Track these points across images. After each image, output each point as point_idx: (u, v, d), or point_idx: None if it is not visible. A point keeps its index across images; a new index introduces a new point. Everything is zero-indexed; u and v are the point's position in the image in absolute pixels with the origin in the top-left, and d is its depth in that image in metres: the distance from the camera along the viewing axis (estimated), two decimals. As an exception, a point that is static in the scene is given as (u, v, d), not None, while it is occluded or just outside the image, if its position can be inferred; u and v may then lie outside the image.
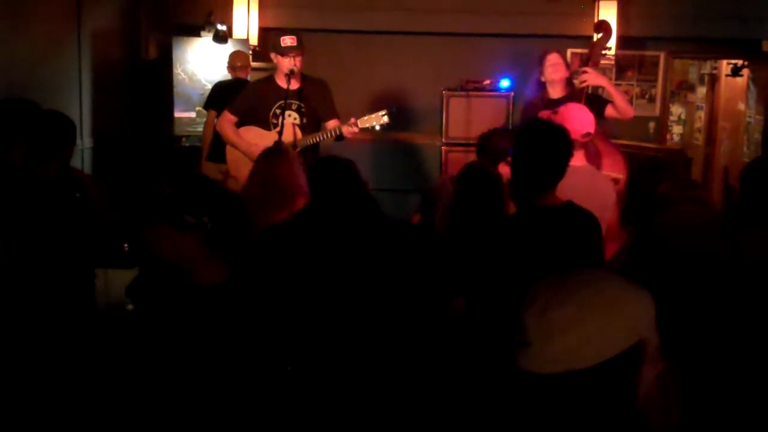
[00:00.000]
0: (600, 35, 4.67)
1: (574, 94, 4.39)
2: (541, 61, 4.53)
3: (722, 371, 2.29)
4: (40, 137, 3.04)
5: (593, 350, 1.15)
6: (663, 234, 2.92)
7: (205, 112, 6.13)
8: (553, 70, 4.48)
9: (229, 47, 6.36)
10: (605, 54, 5.38)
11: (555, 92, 4.49)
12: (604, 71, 6.88)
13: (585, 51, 4.76)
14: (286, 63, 4.36)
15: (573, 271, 1.26)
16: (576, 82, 4.50)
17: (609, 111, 4.39)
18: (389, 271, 2.68)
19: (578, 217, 2.67)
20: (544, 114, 4.27)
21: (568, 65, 4.63)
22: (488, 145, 3.96)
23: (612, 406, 1.18)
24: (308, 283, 2.60)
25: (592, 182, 3.38)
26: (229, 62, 6.12)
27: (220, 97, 5.66)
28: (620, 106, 4.37)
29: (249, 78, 6.02)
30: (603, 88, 4.67)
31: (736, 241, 2.62)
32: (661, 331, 1.23)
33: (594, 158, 4.08)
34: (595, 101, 4.44)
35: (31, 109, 3.23)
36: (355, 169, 2.88)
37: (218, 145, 5.03)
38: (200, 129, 6.29)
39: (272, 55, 4.46)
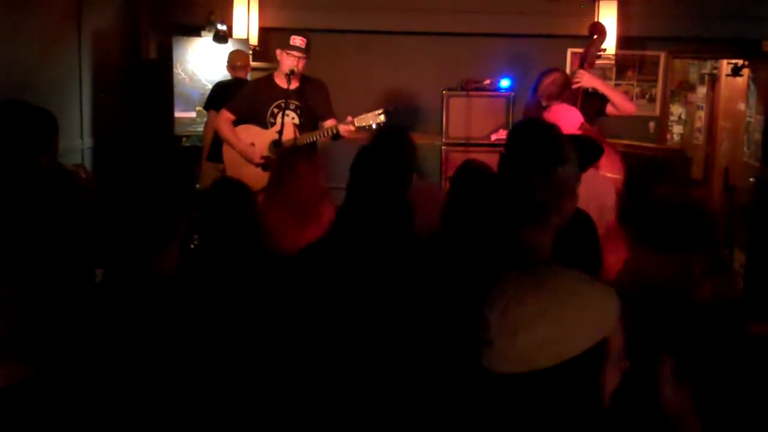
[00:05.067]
0: (595, 37, 4.68)
1: (569, 93, 4.39)
2: (539, 81, 4.54)
3: None
4: (20, 136, 2.85)
5: (556, 348, 1.12)
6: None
7: (205, 112, 6.15)
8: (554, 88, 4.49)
9: (229, 47, 6.37)
10: (600, 56, 5.38)
11: None
12: (603, 72, 6.90)
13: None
14: (289, 63, 4.37)
15: (535, 268, 1.23)
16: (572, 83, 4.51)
17: (610, 108, 4.43)
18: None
19: (574, 218, 2.66)
20: (533, 114, 4.28)
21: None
22: None
23: (576, 405, 1.15)
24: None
25: (591, 183, 3.36)
26: (228, 62, 6.12)
27: (220, 97, 5.66)
28: (618, 102, 4.40)
29: (249, 78, 6.03)
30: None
31: None
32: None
33: (592, 159, 4.08)
34: (594, 99, 4.45)
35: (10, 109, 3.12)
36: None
37: (218, 145, 5.04)
38: (200, 129, 6.30)
39: (277, 52, 4.48)
